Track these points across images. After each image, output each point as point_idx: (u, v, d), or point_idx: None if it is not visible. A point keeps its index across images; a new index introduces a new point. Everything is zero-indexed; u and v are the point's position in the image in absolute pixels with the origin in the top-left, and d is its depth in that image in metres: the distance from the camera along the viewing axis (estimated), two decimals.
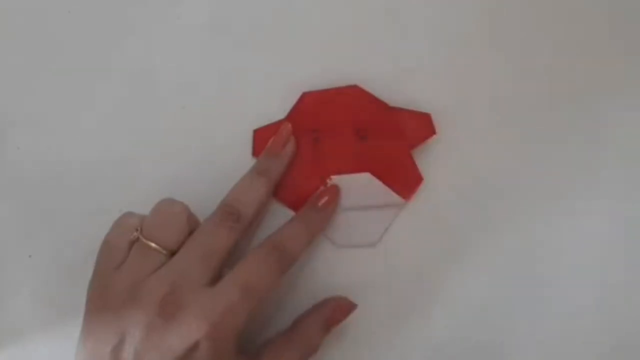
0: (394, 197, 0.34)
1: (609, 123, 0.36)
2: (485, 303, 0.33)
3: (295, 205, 0.34)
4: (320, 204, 0.33)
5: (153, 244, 0.29)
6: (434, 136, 0.35)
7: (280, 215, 0.34)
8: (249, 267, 0.29)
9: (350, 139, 0.35)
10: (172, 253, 0.30)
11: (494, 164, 0.35)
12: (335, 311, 0.31)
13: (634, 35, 0.37)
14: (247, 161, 0.35)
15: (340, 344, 0.32)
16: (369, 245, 0.34)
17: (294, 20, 0.37)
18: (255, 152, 0.35)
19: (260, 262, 0.30)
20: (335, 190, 0.33)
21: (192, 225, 0.31)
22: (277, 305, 0.34)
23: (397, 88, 0.36)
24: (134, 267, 0.29)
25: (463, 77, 0.36)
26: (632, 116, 0.36)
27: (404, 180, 0.34)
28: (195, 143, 0.36)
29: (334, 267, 0.34)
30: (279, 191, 0.34)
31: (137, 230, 0.30)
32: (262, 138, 0.35)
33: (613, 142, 0.36)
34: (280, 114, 0.35)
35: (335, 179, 0.34)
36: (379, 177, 0.34)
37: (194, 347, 0.27)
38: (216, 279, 0.29)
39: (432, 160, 0.35)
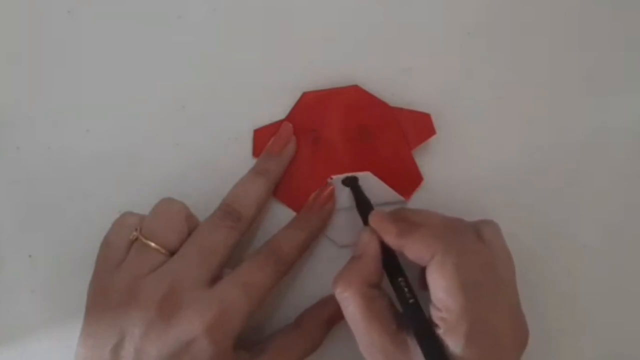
0: (395, 196, 0.34)
1: (610, 121, 0.36)
2: None
3: (295, 205, 0.34)
4: (315, 207, 0.33)
5: (152, 244, 0.29)
6: (434, 136, 0.35)
7: (280, 214, 0.34)
8: (247, 270, 0.30)
9: (350, 139, 0.35)
10: (172, 252, 0.30)
11: (493, 163, 0.35)
12: (338, 309, 0.31)
13: (634, 31, 0.37)
14: (247, 161, 0.35)
15: (342, 340, 0.32)
16: None
17: (294, 20, 0.37)
18: (256, 152, 0.35)
19: (259, 265, 0.30)
20: (331, 192, 0.33)
21: (191, 225, 0.31)
22: (280, 303, 0.34)
23: (397, 88, 0.36)
24: (134, 266, 0.29)
25: (463, 77, 0.36)
26: (634, 117, 0.36)
27: (404, 180, 0.34)
28: (195, 143, 0.36)
29: (335, 267, 0.34)
30: (279, 191, 0.34)
31: (136, 229, 0.30)
32: (262, 138, 0.35)
33: (614, 140, 0.36)
34: (280, 114, 0.35)
35: (335, 179, 0.34)
36: (380, 177, 0.34)
37: (192, 346, 0.27)
38: (216, 279, 0.29)
39: (432, 160, 0.35)
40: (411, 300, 0.28)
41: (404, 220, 0.30)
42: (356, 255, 0.30)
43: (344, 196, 0.33)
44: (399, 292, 0.29)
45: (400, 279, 0.29)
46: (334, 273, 0.30)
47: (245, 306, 0.28)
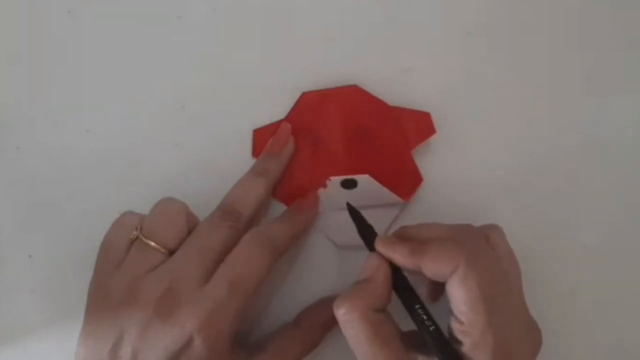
0: (394, 198, 0.34)
1: (610, 121, 0.36)
2: None
3: None
4: (300, 211, 0.33)
5: (152, 243, 0.29)
6: (434, 135, 0.35)
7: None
8: (237, 261, 0.29)
9: (349, 139, 0.35)
10: (172, 252, 0.30)
11: (493, 163, 0.35)
12: None
13: (634, 31, 0.37)
14: (247, 161, 0.35)
15: (341, 340, 0.32)
16: None
17: (293, 20, 0.37)
18: (255, 152, 0.35)
19: (249, 254, 0.29)
20: (314, 200, 0.34)
21: (191, 224, 0.31)
22: (279, 302, 0.34)
23: (397, 88, 0.36)
24: (134, 265, 0.29)
25: (463, 77, 0.36)
26: (634, 117, 0.36)
27: (404, 180, 0.34)
28: (195, 143, 0.36)
29: (334, 267, 0.34)
30: (278, 191, 0.34)
31: (136, 229, 0.30)
32: (261, 138, 0.35)
33: (614, 140, 0.36)
34: (280, 114, 0.35)
35: (334, 180, 0.34)
36: (379, 178, 0.34)
37: (188, 345, 0.27)
38: None
39: (432, 160, 0.35)
40: (432, 327, 0.27)
41: (408, 238, 0.29)
42: (363, 279, 0.29)
43: (342, 197, 0.33)
44: (417, 319, 0.28)
45: (417, 306, 0.28)
46: (333, 273, 0.30)
47: (235, 301, 0.28)
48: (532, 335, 0.29)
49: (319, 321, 0.32)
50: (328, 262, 0.34)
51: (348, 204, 0.32)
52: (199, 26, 0.37)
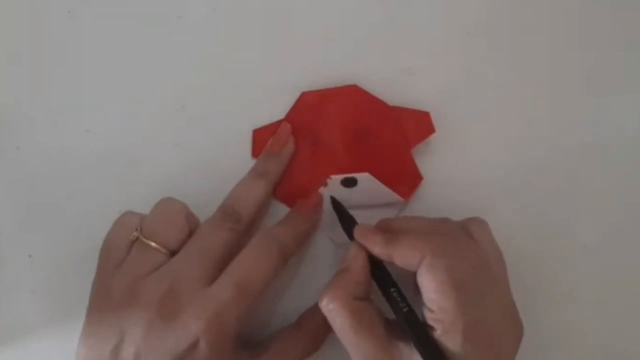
0: (394, 197, 0.34)
1: (610, 121, 0.36)
2: None
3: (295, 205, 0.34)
4: (303, 212, 0.33)
5: (153, 243, 0.29)
6: (434, 134, 0.35)
7: (280, 214, 0.34)
8: (244, 263, 0.29)
9: (349, 139, 0.35)
10: (172, 252, 0.30)
11: (493, 163, 0.35)
12: None
13: (634, 31, 0.37)
14: (247, 161, 0.35)
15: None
16: None
17: (294, 20, 0.37)
18: (255, 153, 0.35)
19: (257, 257, 0.30)
20: (318, 202, 0.34)
21: (192, 224, 0.31)
22: (278, 303, 0.34)
23: (397, 88, 0.36)
24: (134, 266, 0.29)
25: (463, 77, 0.36)
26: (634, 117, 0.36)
27: (404, 179, 0.34)
28: (195, 143, 0.36)
29: (334, 266, 0.34)
30: (279, 191, 0.34)
31: (137, 229, 0.30)
32: (261, 138, 0.35)
33: (614, 140, 0.36)
34: (281, 114, 0.35)
35: (334, 179, 0.34)
36: (379, 177, 0.34)
37: (192, 347, 0.27)
38: (215, 279, 0.29)
39: (431, 160, 0.35)
40: (405, 309, 0.28)
41: (389, 229, 0.30)
42: (342, 269, 0.30)
43: (343, 196, 0.33)
44: (392, 302, 0.29)
45: (392, 290, 0.29)
46: (333, 272, 0.30)
47: (240, 303, 0.28)
48: (513, 326, 0.29)
49: (320, 322, 0.31)
50: (327, 261, 0.34)
51: (332, 197, 0.33)
52: (199, 26, 0.37)
